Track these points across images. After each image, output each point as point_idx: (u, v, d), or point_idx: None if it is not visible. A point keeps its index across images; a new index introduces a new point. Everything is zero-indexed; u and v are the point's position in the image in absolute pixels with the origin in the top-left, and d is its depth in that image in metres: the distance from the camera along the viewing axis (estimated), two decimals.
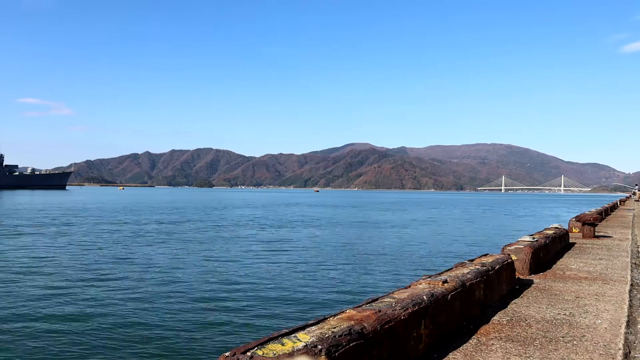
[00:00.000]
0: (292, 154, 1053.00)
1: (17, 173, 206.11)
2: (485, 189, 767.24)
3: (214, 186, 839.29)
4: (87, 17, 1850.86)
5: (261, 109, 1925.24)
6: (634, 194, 51.23)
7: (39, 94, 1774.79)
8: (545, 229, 11.52)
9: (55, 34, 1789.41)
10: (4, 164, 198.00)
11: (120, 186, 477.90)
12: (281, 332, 2.80)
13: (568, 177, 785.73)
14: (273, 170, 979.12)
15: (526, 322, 5.01)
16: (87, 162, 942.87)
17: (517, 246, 8.01)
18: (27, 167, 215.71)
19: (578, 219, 14.93)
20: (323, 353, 2.61)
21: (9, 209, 61.16)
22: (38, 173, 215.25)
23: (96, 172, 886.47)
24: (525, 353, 4.02)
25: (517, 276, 7.11)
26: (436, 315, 4.07)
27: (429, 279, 4.67)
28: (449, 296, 4.39)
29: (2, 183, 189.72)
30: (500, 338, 4.43)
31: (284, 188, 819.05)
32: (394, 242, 31.20)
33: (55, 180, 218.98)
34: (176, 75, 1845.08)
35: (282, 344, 2.61)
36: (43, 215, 49.28)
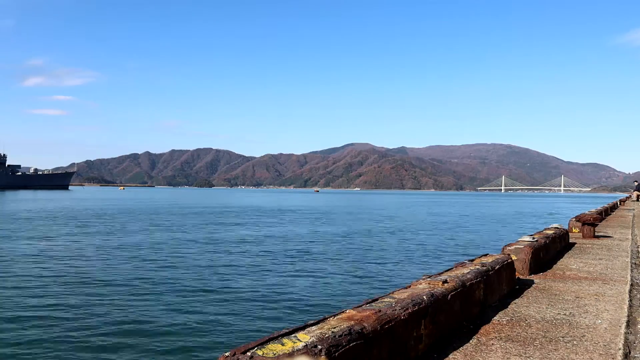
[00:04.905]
0: (292, 154, 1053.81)
1: (19, 173, 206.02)
2: (485, 189, 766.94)
3: (214, 186, 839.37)
4: (87, 17, 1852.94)
5: (261, 109, 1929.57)
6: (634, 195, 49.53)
7: (70, 92, 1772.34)
8: (545, 229, 11.50)
9: (63, 30, 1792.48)
10: (7, 164, 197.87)
11: (120, 186, 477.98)
12: (281, 332, 2.80)
13: (568, 177, 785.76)
14: (273, 170, 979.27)
15: (526, 322, 5.01)
16: (87, 162, 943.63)
17: (517, 246, 7.99)
18: (30, 167, 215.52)
19: (578, 219, 14.90)
20: (323, 353, 2.61)
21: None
22: (41, 173, 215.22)
23: (96, 172, 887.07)
24: (525, 353, 4.02)
25: (517, 276, 7.10)
26: (436, 315, 4.07)
27: (429, 279, 4.67)
28: (449, 296, 4.39)
29: (4, 183, 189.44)
30: (500, 338, 4.42)
31: (284, 188, 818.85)
32: (394, 242, 31.19)
33: (57, 180, 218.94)
34: (176, 75, 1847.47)
35: (282, 344, 2.61)
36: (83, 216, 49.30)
